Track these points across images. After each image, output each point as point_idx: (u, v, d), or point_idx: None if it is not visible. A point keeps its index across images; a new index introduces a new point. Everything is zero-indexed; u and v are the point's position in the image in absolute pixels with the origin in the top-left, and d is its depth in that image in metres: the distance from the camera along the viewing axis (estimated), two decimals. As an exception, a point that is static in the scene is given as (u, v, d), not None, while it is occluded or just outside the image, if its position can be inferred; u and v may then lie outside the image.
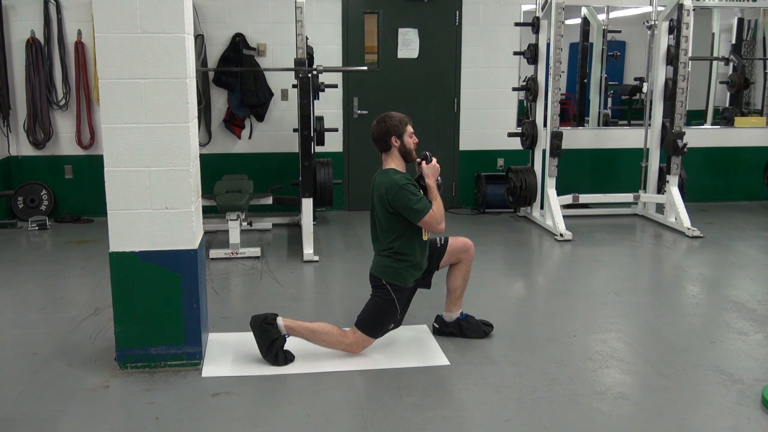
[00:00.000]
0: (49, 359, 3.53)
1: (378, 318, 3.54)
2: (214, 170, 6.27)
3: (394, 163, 3.52)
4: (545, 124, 6.55)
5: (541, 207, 6.70)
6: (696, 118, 8.16)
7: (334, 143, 6.97)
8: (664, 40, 6.59)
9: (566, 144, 6.38)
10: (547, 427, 2.91)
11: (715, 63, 8.33)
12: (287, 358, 3.49)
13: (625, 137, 7.60)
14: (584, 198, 6.85)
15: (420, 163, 3.53)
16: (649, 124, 6.91)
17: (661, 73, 6.63)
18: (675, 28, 6.43)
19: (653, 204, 6.93)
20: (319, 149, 6.31)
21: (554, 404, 3.09)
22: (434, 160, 3.53)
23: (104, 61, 3.10)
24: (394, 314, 3.55)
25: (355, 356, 3.54)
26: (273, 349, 3.45)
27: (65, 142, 6.76)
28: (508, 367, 3.49)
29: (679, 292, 4.90)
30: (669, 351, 3.73)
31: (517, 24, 7.04)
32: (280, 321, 3.48)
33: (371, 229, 3.63)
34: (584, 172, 7.46)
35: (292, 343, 3.49)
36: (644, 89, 7.04)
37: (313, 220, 5.60)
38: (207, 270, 4.71)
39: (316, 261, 5.36)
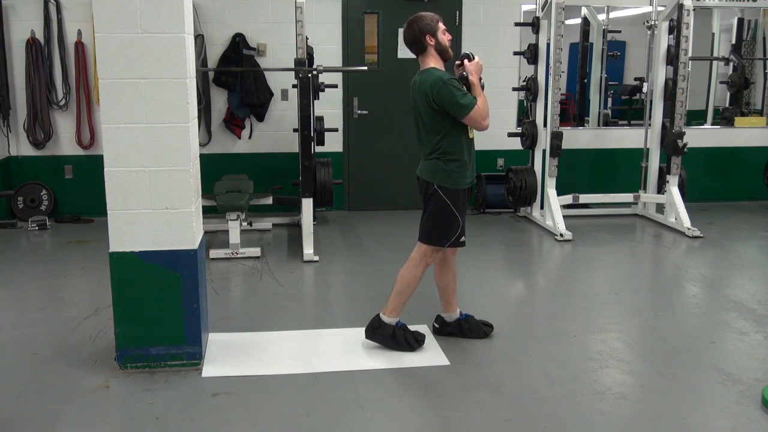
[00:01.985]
0: (49, 359, 3.53)
1: (438, 225, 3.53)
2: (214, 170, 6.27)
3: (432, 62, 3.51)
4: (545, 124, 6.55)
5: (541, 207, 6.70)
6: (696, 118, 8.15)
7: (334, 143, 6.97)
8: (664, 40, 6.59)
9: (566, 144, 6.38)
10: (547, 427, 2.91)
11: (715, 63, 8.33)
12: (418, 339, 3.61)
13: (625, 137, 7.60)
14: (584, 198, 6.84)
15: (462, 63, 3.54)
16: (649, 124, 6.91)
17: (661, 73, 6.63)
18: (675, 28, 6.42)
19: (653, 204, 6.93)
20: (319, 149, 6.31)
21: (554, 404, 3.09)
22: (477, 57, 3.54)
23: (104, 61, 3.10)
24: (454, 220, 3.51)
25: (355, 356, 3.54)
26: (398, 340, 3.56)
27: (65, 142, 6.76)
28: (508, 367, 3.49)
29: (679, 292, 4.90)
30: (669, 351, 3.73)
31: (517, 24, 7.03)
32: (383, 316, 3.58)
33: (417, 136, 3.59)
34: (584, 172, 7.45)
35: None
36: (644, 89, 7.03)
37: (313, 220, 5.60)
38: (207, 270, 4.71)
39: (316, 261, 5.35)
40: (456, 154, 3.49)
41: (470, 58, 3.54)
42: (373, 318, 3.64)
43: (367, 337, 3.64)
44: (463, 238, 3.59)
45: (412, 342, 3.59)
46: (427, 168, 3.53)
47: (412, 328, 3.74)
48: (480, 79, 3.53)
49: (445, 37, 3.51)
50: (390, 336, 3.58)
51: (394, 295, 3.61)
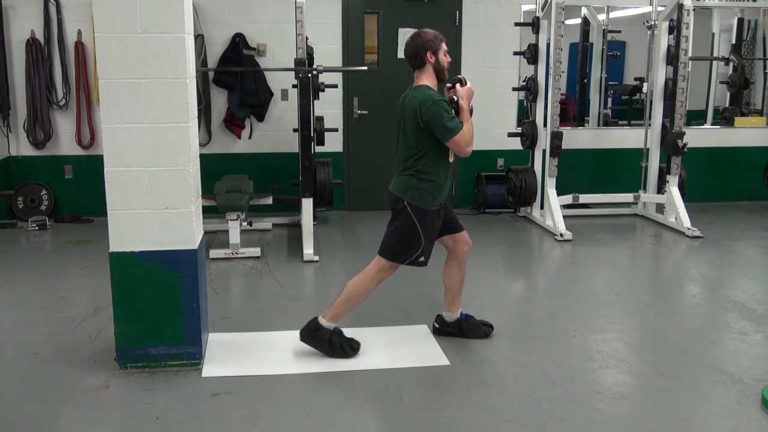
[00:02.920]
0: (49, 359, 3.53)
1: (399, 243, 3.47)
2: (214, 170, 6.26)
3: (426, 80, 3.49)
4: (545, 124, 6.55)
5: (541, 207, 6.70)
6: (696, 118, 8.15)
7: (334, 143, 6.97)
8: (664, 40, 6.59)
9: (566, 144, 6.38)
10: (547, 427, 2.91)
11: (715, 63, 8.33)
12: (353, 347, 3.53)
13: (625, 137, 7.60)
14: (584, 198, 6.85)
15: (454, 86, 3.52)
16: (649, 124, 6.91)
17: (661, 73, 6.63)
18: (675, 28, 6.42)
19: (653, 204, 6.93)
20: (319, 149, 6.31)
21: (554, 404, 3.09)
22: (469, 83, 3.52)
23: (104, 61, 3.10)
24: (417, 239, 3.45)
25: (354, 356, 3.54)
26: (334, 346, 3.48)
27: (65, 142, 6.76)
28: (508, 367, 3.49)
29: (679, 292, 4.90)
30: (669, 351, 3.73)
31: (517, 24, 7.03)
32: (321, 320, 3.50)
33: (396, 151, 3.54)
34: (584, 172, 7.45)
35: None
36: (644, 89, 7.03)
37: (313, 220, 5.60)
38: (207, 270, 4.71)
39: (316, 261, 5.35)
40: (432, 175, 3.44)
41: (462, 83, 3.51)
42: (311, 320, 3.52)
43: (301, 340, 3.53)
44: (422, 258, 3.51)
45: (347, 349, 3.51)
46: (400, 183, 3.49)
47: (409, 326, 3.75)
48: (470, 105, 3.50)
49: (445, 58, 3.50)
50: (326, 341, 3.48)
51: (340, 302, 3.50)
